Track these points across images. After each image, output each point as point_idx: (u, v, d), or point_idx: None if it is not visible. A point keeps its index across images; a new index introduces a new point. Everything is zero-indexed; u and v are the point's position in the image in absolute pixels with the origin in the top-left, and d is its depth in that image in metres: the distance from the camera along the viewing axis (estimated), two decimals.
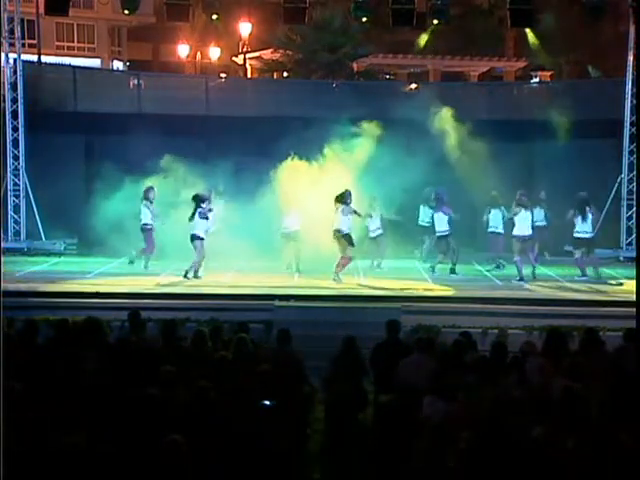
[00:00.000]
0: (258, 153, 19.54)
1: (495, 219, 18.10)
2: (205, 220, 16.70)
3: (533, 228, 17.19)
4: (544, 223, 18.72)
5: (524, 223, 16.86)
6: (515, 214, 16.84)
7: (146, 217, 17.78)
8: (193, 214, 16.57)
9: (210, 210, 16.78)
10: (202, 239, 16.68)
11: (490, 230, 18.23)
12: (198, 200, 16.67)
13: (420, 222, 18.92)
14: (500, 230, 18.06)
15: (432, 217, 18.01)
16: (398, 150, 17.53)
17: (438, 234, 17.70)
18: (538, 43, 35.51)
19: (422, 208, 18.78)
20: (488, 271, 18.11)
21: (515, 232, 16.90)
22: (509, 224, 17.39)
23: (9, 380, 6.71)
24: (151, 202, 17.75)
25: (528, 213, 16.94)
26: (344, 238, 16.36)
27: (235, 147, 19.54)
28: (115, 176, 18.44)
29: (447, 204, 17.64)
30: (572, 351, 9.24)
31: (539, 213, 18.73)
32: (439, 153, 18.62)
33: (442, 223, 17.63)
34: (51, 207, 19.94)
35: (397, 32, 33.80)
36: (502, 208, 17.85)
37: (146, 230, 17.82)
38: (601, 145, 20.26)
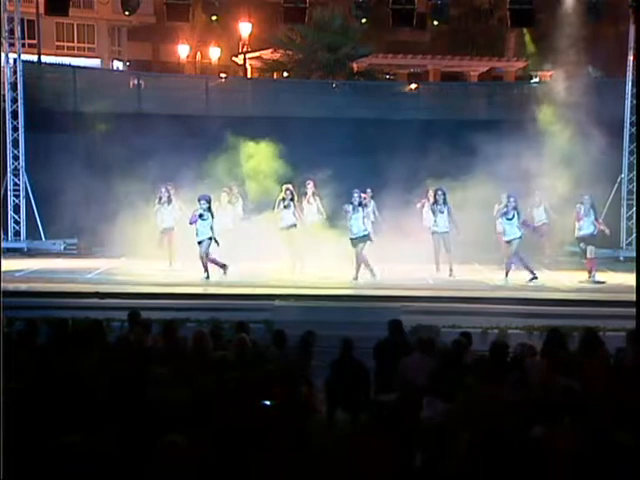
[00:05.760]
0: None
1: None
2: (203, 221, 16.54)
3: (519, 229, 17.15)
4: (546, 220, 18.74)
5: (513, 225, 16.81)
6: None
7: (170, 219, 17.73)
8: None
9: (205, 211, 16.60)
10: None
11: None
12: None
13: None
14: None
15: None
16: (397, 149, 17.57)
17: (446, 231, 17.57)
18: (534, 49, 35.53)
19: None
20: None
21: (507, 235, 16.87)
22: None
23: (9, 380, 6.71)
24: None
25: (515, 216, 16.89)
26: (367, 238, 16.60)
27: (235, 147, 19.53)
28: (115, 176, 18.41)
29: None
30: (572, 351, 9.23)
31: (540, 212, 18.73)
32: (438, 152, 18.62)
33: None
34: (51, 207, 19.95)
35: (397, 32, 33.87)
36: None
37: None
38: (601, 145, 20.24)
